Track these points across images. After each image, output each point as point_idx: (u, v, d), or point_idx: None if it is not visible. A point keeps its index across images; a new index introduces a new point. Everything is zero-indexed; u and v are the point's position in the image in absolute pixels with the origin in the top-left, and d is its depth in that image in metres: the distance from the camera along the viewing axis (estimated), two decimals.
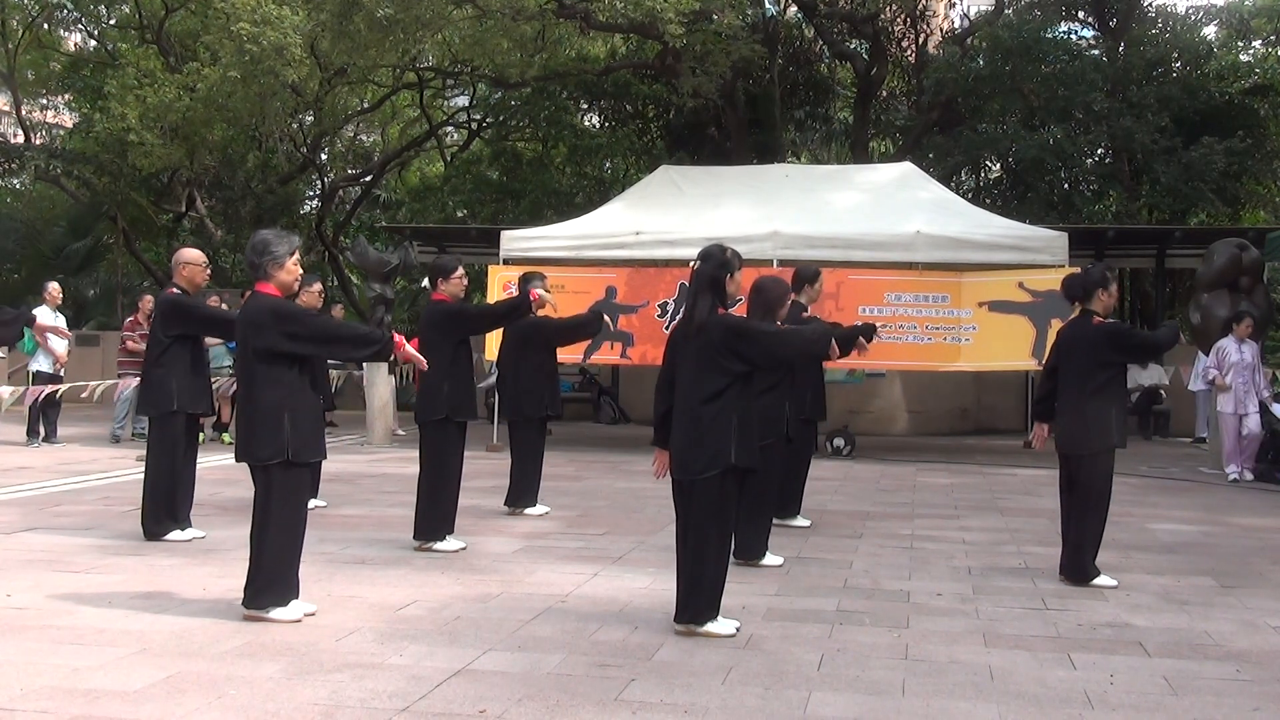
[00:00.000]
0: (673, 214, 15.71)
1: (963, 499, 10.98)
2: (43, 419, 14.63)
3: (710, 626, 5.58)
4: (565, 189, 25.97)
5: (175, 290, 8.21)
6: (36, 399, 13.79)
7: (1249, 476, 12.50)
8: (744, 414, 5.60)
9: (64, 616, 5.76)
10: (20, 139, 31.42)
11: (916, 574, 7.30)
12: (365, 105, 29.01)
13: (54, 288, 15.30)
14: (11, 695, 4.56)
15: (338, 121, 27.89)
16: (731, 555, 7.00)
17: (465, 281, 8.21)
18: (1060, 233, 14.95)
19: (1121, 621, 6.09)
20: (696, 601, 5.58)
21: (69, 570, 6.91)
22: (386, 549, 7.69)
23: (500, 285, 14.78)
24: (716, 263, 5.69)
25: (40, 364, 14.80)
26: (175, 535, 7.92)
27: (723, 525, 5.60)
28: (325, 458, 6.09)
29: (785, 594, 6.64)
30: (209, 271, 8.46)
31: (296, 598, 5.81)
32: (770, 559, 7.49)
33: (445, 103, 31.55)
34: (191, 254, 8.38)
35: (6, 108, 35.18)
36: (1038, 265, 14.33)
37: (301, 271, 5.95)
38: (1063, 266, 14.25)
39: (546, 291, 9.13)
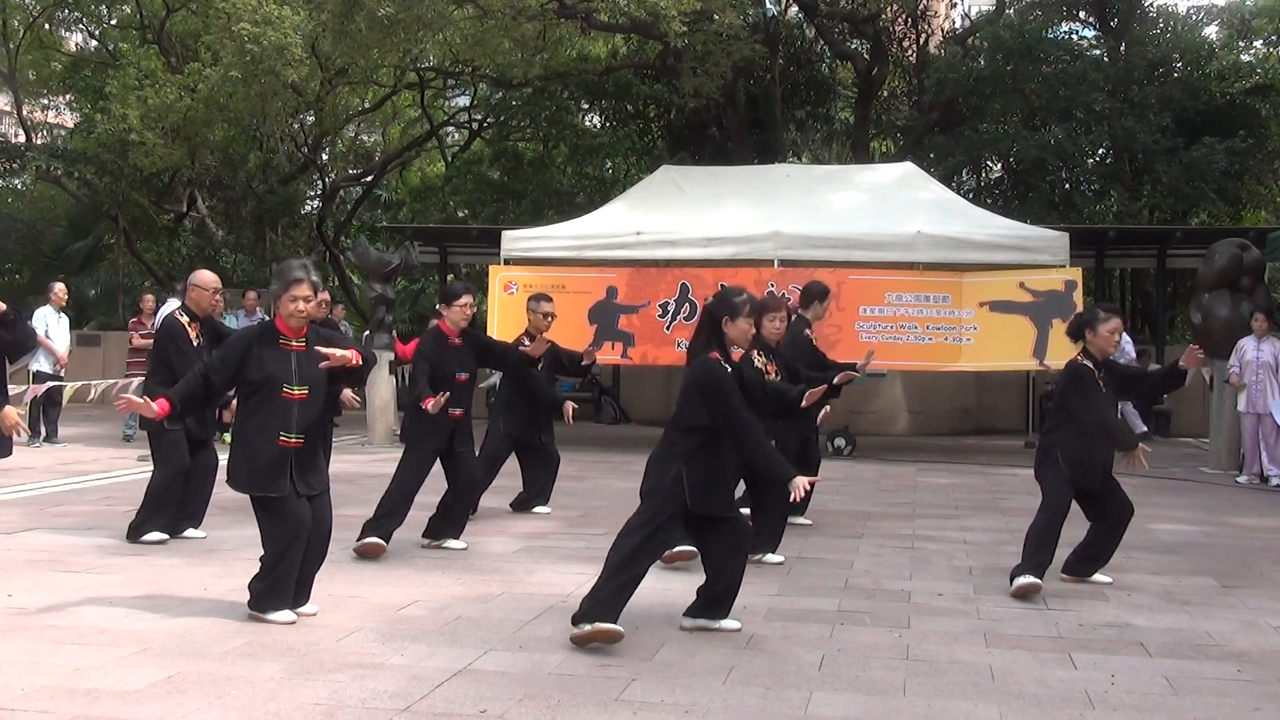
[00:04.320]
0: (674, 214, 15.70)
1: (963, 499, 10.97)
2: (44, 419, 14.65)
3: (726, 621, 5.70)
4: (566, 189, 25.95)
5: (178, 311, 8.23)
6: (36, 396, 13.75)
7: (1275, 481, 12.28)
8: (696, 465, 5.53)
9: (65, 616, 5.76)
10: (21, 139, 31.44)
11: (917, 574, 7.30)
12: (366, 105, 29.01)
13: (60, 289, 15.29)
14: (13, 695, 4.56)
15: (339, 121, 27.90)
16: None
17: (469, 309, 7.92)
18: (1061, 233, 14.94)
19: (1122, 621, 6.09)
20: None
21: (70, 570, 6.92)
22: (388, 547, 7.68)
23: (501, 285, 14.79)
24: (720, 302, 5.75)
25: (41, 364, 14.81)
26: (153, 536, 7.82)
27: (648, 533, 5.51)
28: (260, 492, 5.77)
29: (786, 594, 6.64)
30: (219, 299, 8.29)
31: (288, 606, 5.78)
32: (771, 557, 7.50)
33: (446, 103, 31.56)
34: (200, 277, 8.27)
35: (8, 108, 35.21)
36: (1039, 265, 14.33)
37: (301, 307, 5.82)
38: (1064, 267, 14.27)
39: (548, 314, 9.20)
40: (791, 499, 5.63)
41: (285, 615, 5.74)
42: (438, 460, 7.89)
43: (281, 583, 5.75)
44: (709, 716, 4.48)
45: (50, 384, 14.09)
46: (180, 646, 5.30)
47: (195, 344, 8.02)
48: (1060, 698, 4.79)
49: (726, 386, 5.51)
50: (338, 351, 5.83)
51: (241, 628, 5.63)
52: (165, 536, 7.93)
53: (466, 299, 7.94)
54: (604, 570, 5.43)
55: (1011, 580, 6.68)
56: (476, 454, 8.32)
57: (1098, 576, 7.03)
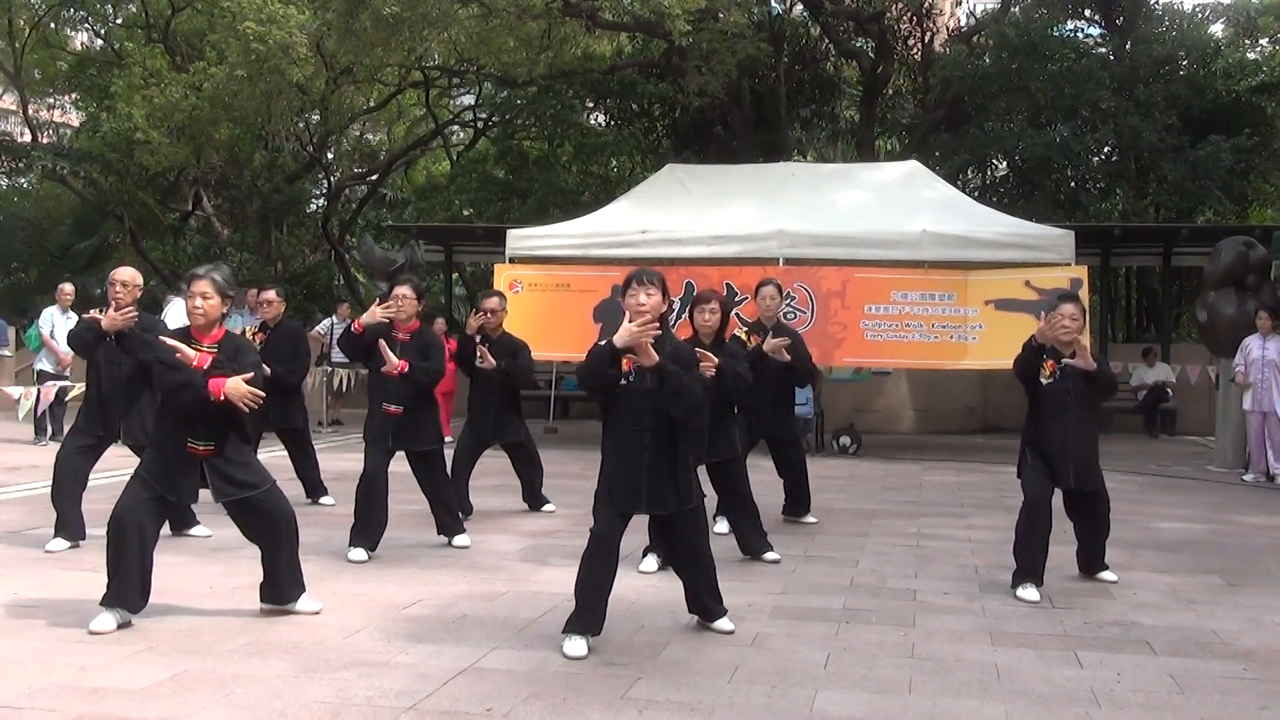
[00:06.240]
0: (679, 213, 15.70)
1: (969, 497, 10.97)
2: (49, 417, 14.67)
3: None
4: (571, 187, 25.95)
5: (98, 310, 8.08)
6: (47, 400, 13.68)
7: None
8: (605, 458, 5.50)
9: (71, 615, 5.77)
10: (27, 138, 31.45)
11: (923, 572, 7.30)
12: (371, 104, 29.01)
13: (67, 289, 15.29)
14: (19, 693, 4.57)
15: (344, 120, 27.89)
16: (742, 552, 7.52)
17: (401, 301, 7.77)
18: (1067, 231, 14.92)
19: (1128, 620, 6.08)
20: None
21: (77, 568, 6.93)
22: (392, 547, 7.69)
23: (507, 284, 14.79)
24: None
25: (44, 364, 14.84)
26: (56, 545, 7.66)
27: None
28: (163, 491, 5.72)
29: (791, 592, 6.64)
30: (121, 291, 7.68)
31: (108, 607, 5.63)
32: (768, 555, 7.54)
33: (451, 101, 31.57)
34: (113, 273, 7.91)
35: (13, 107, 35.19)
36: (1044, 263, 14.31)
37: (198, 304, 5.70)
38: (1069, 265, 14.25)
39: (489, 311, 9.18)
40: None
41: (104, 621, 5.57)
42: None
43: (113, 577, 5.65)
44: (714, 715, 4.48)
45: (56, 384, 14.07)
46: (186, 645, 5.30)
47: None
48: (1066, 696, 4.78)
49: (588, 356, 5.43)
50: (189, 352, 5.62)
51: (247, 626, 5.64)
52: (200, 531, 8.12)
53: (397, 290, 7.85)
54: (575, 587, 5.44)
55: (1013, 587, 6.68)
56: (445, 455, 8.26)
57: (1103, 575, 7.02)
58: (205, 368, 5.61)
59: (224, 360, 5.66)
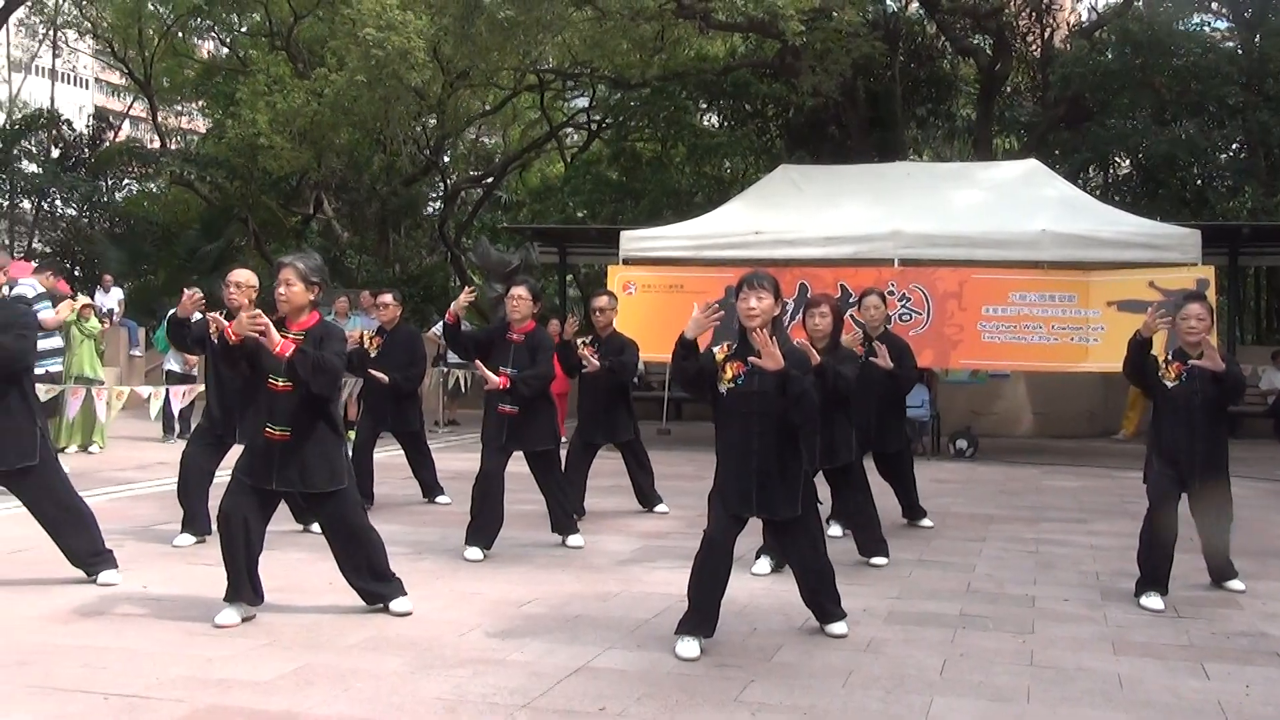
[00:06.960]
0: (792, 213, 15.62)
1: (1090, 503, 10.73)
2: (177, 416, 15.08)
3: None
4: (684, 189, 26.00)
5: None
6: (177, 399, 14.00)
7: None
8: (718, 460, 5.51)
9: (197, 608, 5.91)
10: (156, 144, 32.46)
11: (1042, 579, 7.16)
12: (487, 108, 29.40)
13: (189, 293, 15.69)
14: (148, 684, 4.70)
15: (460, 124, 28.30)
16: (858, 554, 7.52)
17: (515, 301, 7.81)
18: (1193, 230, 14.51)
19: (1257, 630, 5.90)
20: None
21: (203, 563, 7.10)
22: (507, 546, 7.76)
23: (620, 285, 14.84)
24: None
25: (172, 364, 15.27)
26: (183, 540, 7.84)
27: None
28: (241, 475, 5.81)
29: (907, 597, 6.56)
30: (235, 292, 7.51)
31: (238, 599, 5.72)
32: (877, 560, 7.49)
33: (565, 104, 31.84)
34: (230, 274, 7.81)
35: (143, 114, 36.34)
36: (1169, 263, 13.93)
37: (281, 292, 5.77)
38: (1195, 264, 13.87)
39: (599, 310, 9.21)
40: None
41: (227, 615, 5.67)
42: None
43: (227, 573, 5.73)
44: (828, 719, 4.45)
45: (186, 385, 14.44)
46: (307, 639, 5.41)
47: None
48: (1192, 708, 4.65)
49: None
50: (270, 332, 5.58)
51: (365, 622, 5.74)
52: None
53: (513, 290, 7.90)
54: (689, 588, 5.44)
55: (1136, 595, 6.51)
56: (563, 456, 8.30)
57: (1231, 584, 6.80)
58: (288, 354, 5.59)
59: (309, 347, 5.67)
